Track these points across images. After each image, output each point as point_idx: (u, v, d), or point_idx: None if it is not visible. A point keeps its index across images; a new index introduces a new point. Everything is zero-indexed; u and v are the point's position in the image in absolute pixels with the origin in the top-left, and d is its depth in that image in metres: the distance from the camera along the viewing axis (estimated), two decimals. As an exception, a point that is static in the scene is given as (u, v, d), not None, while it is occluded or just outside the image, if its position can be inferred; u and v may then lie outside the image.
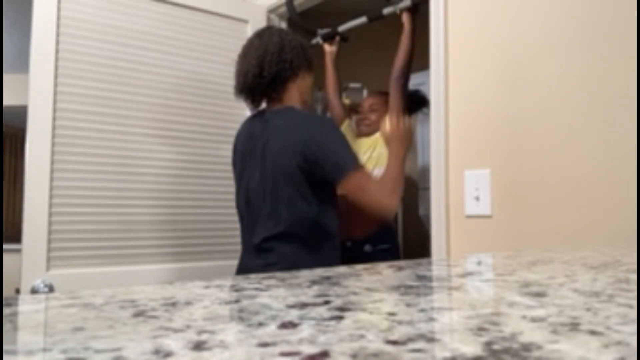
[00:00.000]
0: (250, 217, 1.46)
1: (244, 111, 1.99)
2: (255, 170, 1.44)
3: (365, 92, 2.99)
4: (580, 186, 1.16)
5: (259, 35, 1.51)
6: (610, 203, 1.11)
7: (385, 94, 2.01)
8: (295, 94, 1.49)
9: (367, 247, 1.92)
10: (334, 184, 1.36)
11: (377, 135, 1.95)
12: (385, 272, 0.53)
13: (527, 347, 0.23)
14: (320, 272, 0.53)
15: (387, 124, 1.61)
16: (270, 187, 1.39)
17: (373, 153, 1.95)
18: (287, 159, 1.36)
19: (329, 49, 2.19)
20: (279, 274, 0.51)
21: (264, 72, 1.43)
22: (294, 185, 1.36)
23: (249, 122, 1.55)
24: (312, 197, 1.37)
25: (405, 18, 1.92)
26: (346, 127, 2.10)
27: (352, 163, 1.33)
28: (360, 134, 2.06)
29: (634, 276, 0.48)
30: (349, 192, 1.36)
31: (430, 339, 0.25)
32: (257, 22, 2.05)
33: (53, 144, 1.57)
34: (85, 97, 1.65)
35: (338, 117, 2.15)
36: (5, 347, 0.24)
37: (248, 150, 1.48)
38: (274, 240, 1.38)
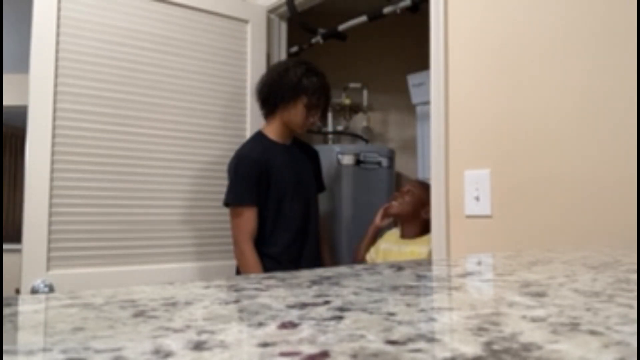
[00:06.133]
0: None
1: (244, 111, 1.99)
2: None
3: (365, 92, 2.99)
4: (581, 186, 1.16)
5: (283, 62, 1.95)
6: (610, 203, 1.11)
7: (425, 185, 1.95)
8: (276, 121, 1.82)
9: None
10: None
11: (422, 238, 1.94)
12: (385, 272, 0.53)
13: (527, 347, 0.23)
14: (320, 272, 0.53)
15: None
16: None
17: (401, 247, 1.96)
18: None
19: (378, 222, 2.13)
20: (279, 274, 0.51)
21: (262, 92, 1.82)
22: None
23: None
24: None
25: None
26: (389, 235, 2.11)
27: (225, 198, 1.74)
28: (389, 209, 2.06)
29: (634, 276, 0.48)
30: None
31: (430, 339, 0.25)
32: (257, 22, 2.05)
33: (53, 144, 1.57)
34: (85, 97, 1.65)
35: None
36: (5, 347, 0.24)
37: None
38: None
